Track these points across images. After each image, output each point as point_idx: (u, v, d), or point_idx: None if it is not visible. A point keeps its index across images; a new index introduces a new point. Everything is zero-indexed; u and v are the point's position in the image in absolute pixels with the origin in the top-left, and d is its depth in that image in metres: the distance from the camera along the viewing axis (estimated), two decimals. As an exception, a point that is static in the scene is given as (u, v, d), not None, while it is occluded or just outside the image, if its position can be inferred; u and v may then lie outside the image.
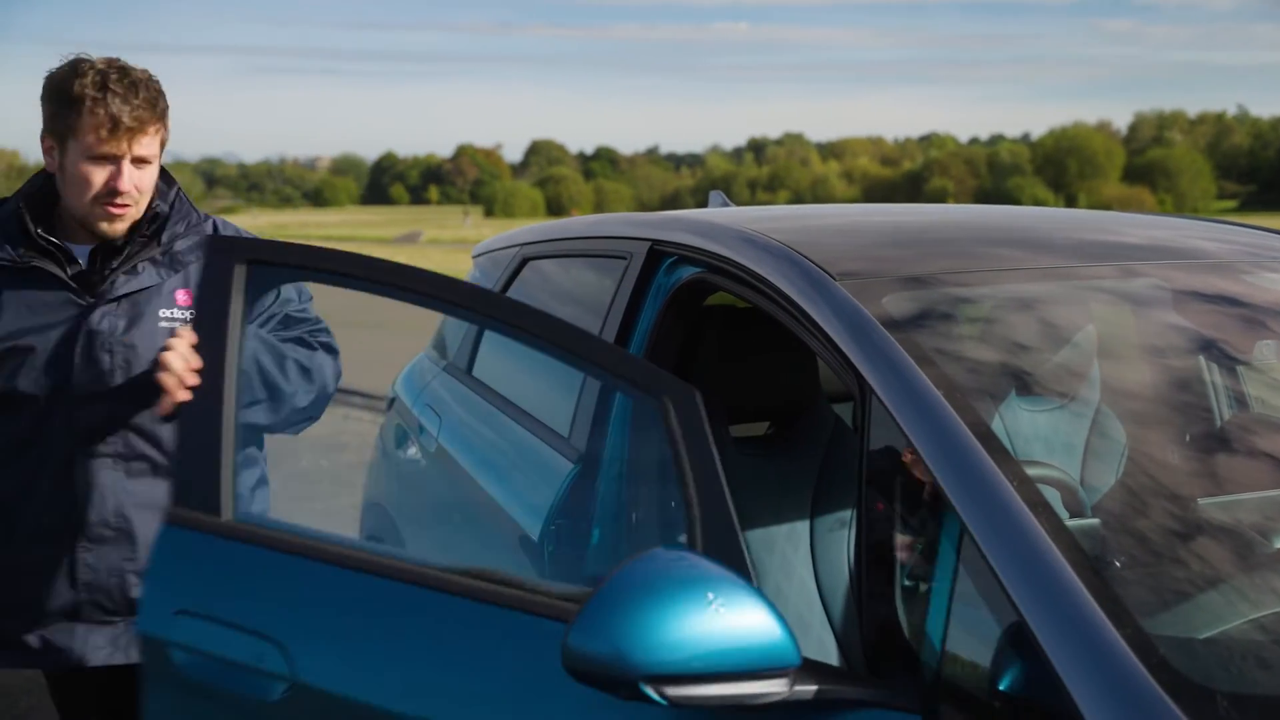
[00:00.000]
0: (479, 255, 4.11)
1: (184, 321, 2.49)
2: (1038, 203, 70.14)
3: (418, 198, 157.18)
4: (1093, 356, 2.43)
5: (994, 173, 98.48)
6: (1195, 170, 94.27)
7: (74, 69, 2.39)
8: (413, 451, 3.67)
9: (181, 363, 2.22)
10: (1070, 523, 1.74)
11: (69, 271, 2.45)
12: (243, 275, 2.18)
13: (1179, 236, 2.80)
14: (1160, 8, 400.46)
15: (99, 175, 2.39)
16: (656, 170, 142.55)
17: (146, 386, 2.36)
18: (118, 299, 2.47)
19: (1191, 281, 2.46)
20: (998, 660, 1.62)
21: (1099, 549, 1.83)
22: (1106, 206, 70.08)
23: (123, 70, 2.40)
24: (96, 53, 2.46)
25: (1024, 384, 2.26)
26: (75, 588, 2.46)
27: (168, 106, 2.48)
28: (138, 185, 2.43)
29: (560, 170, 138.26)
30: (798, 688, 1.65)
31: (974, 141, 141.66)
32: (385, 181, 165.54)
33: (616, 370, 2.07)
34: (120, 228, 2.45)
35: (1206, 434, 2.25)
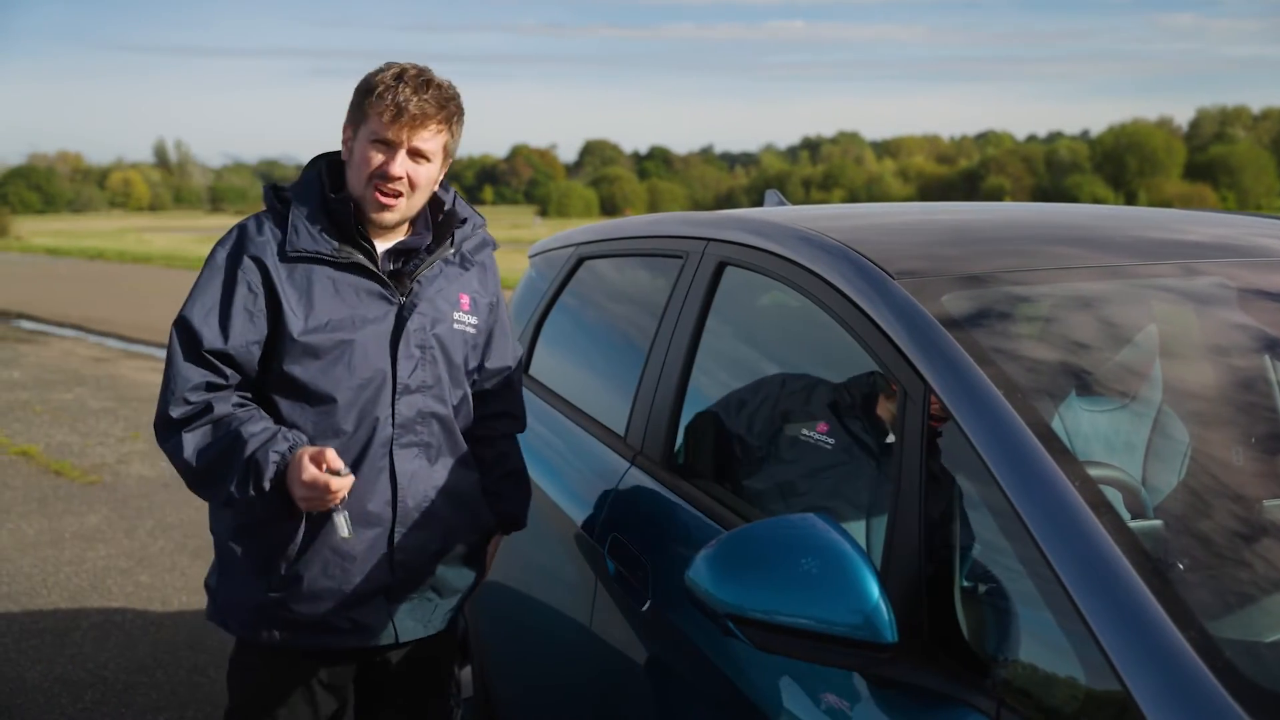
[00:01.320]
0: (535, 255, 4.13)
1: (473, 326, 2.65)
2: (1097, 200, 69.34)
3: (473, 198, 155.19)
4: (1154, 356, 2.40)
5: (1052, 170, 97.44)
6: (1259, 167, 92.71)
7: (384, 67, 2.52)
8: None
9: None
10: (1132, 524, 1.72)
11: (382, 269, 2.54)
12: (720, 275, 2.71)
13: (1243, 234, 2.76)
14: (1223, 1, 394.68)
15: (376, 158, 2.48)
16: (710, 170, 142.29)
17: (448, 383, 2.59)
18: (421, 298, 2.56)
19: (1256, 279, 2.42)
20: (1059, 661, 1.61)
21: (1162, 550, 1.82)
22: (1167, 204, 69.16)
23: (421, 71, 2.52)
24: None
25: (1084, 384, 2.24)
26: (392, 569, 2.57)
27: (459, 113, 2.57)
28: (411, 176, 2.50)
29: (614, 170, 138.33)
30: (872, 662, 1.74)
31: (1031, 139, 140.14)
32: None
33: (870, 345, 2.14)
34: (389, 218, 2.53)
35: (1272, 434, 2.22)
